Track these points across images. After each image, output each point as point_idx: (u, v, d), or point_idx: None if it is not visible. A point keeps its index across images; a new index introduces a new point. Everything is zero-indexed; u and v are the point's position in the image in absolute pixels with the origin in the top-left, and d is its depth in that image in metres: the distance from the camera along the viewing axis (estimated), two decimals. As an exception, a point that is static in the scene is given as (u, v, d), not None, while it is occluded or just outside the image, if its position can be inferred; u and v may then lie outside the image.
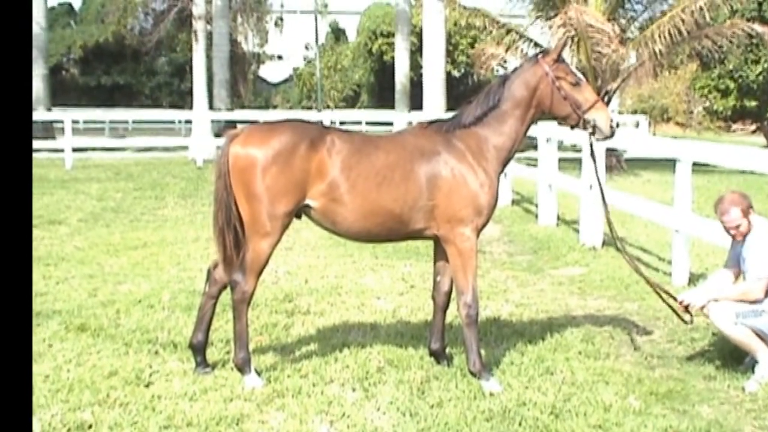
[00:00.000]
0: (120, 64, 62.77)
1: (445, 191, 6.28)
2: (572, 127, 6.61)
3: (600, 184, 7.37)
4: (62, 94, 53.44)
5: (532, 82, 6.44)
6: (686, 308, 6.74)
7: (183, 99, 55.78)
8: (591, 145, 6.79)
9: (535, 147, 15.66)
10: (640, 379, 6.53)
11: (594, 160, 6.96)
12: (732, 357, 6.84)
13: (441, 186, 6.28)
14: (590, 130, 6.47)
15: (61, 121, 27.27)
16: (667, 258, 10.63)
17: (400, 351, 7.05)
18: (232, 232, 6.23)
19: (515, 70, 6.67)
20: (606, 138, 6.55)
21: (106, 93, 62.54)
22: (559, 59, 6.48)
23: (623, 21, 26.28)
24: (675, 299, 6.87)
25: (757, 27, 24.71)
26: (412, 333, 7.59)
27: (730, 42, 24.46)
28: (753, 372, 6.47)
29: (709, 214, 10.95)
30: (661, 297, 7.09)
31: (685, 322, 6.88)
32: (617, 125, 6.57)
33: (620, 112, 43.16)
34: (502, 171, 6.58)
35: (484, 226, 6.46)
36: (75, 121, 30.61)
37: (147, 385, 6.25)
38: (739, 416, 5.90)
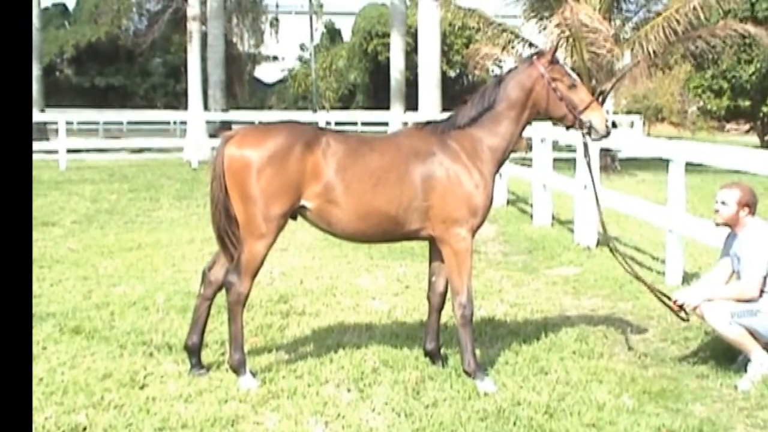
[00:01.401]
0: (114, 64, 62.67)
1: (440, 192, 6.29)
2: (568, 128, 6.63)
3: (594, 184, 7.35)
4: (56, 94, 53.30)
5: (528, 83, 6.46)
6: (681, 307, 6.76)
7: (178, 100, 55.71)
8: (585, 145, 6.78)
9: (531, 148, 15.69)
10: (634, 378, 6.55)
11: (588, 161, 6.96)
12: (725, 356, 6.86)
13: (436, 187, 6.29)
14: (586, 130, 6.49)
15: (55, 122, 27.23)
16: (661, 257, 10.65)
17: (396, 351, 7.06)
18: (228, 234, 6.26)
19: (510, 71, 6.69)
20: (602, 138, 6.58)
21: (100, 94, 62.46)
22: (554, 60, 6.50)
23: (618, 21, 26.35)
24: (669, 298, 6.89)
25: (750, 27, 24.80)
26: (407, 333, 7.60)
27: (724, 42, 24.56)
28: (745, 371, 6.49)
29: (703, 213, 11.01)
30: (656, 296, 7.11)
31: (683, 319, 6.91)
32: (613, 125, 6.60)
33: (615, 112, 43.19)
34: (497, 172, 6.59)
35: (479, 226, 6.48)
36: (69, 122, 30.66)
37: (142, 387, 6.25)
38: (732, 414, 5.92)
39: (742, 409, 6.03)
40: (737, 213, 6.60)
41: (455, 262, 6.36)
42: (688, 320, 6.96)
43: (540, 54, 6.59)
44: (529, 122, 6.66)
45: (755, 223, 6.66)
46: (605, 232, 7.37)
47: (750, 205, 6.61)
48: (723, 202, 6.63)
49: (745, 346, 6.48)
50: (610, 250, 7.26)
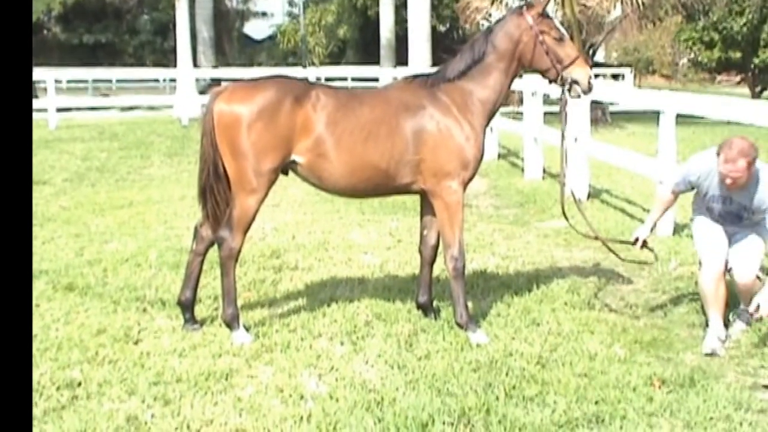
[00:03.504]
0: (102, 22, 62.11)
1: (431, 145, 6.28)
2: (550, 82, 6.60)
3: (563, 139, 7.01)
4: (44, 53, 52.74)
5: (516, 34, 6.42)
6: (644, 244, 6.82)
7: (167, 57, 55.25)
8: (564, 101, 6.69)
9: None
10: (625, 328, 6.60)
11: (564, 116, 6.87)
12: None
13: (427, 140, 6.28)
14: (568, 86, 6.46)
15: (44, 81, 27.00)
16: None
17: (388, 305, 7.09)
18: (219, 190, 6.25)
19: (498, 21, 6.66)
20: (583, 95, 6.56)
21: (88, 52, 61.87)
22: (544, 14, 6.47)
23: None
24: (634, 243, 6.93)
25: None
26: (399, 287, 7.64)
27: (715, -7, 24.40)
28: (734, 320, 6.55)
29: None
30: (616, 253, 7.25)
31: (652, 262, 7.03)
32: (595, 76, 6.61)
33: (606, 65, 43.07)
34: (487, 124, 6.58)
35: (470, 179, 6.48)
36: (58, 81, 30.36)
37: (136, 343, 6.29)
38: (722, 363, 5.98)
39: (732, 357, 6.09)
40: (749, 174, 6.17)
41: (447, 215, 6.38)
42: (656, 258, 7.31)
43: (530, 5, 6.54)
44: (517, 74, 6.64)
45: (761, 171, 6.28)
46: (562, 192, 7.28)
47: (755, 159, 6.18)
48: (737, 178, 6.14)
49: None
50: (563, 213, 7.24)
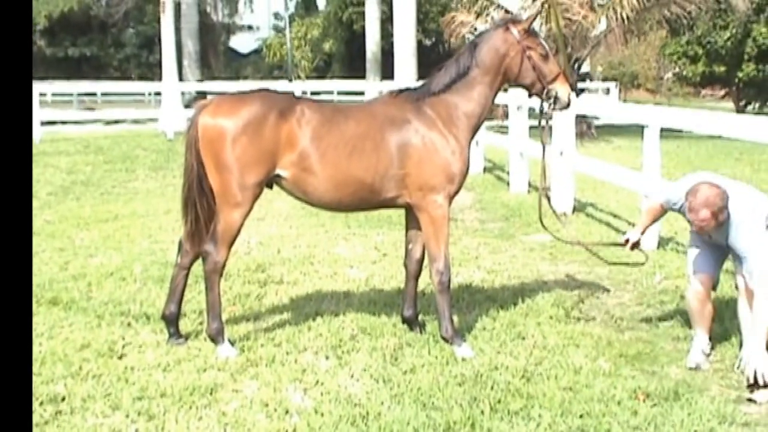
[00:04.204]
0: (87, 35, 62.08)
1: (416, 160, 6.30)
2: (530, 95, 6.70)
3: (543, 147, 7.06)
4: (29, 66, 52.71)
5: (502, 49, 6.46)
6: (634, 246, 6.80)
7: (152, 71, 55.38)
8: (544, 114, 6.77)
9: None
10: (610, 342, 6.61)
11: (545, 127, 6.91)
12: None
13: (412, 154, 6.30)
14: (551, 100, 6.56)
15: (29, 94, 26.89)
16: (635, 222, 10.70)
17: (373, 319, 7.09)
18: (203, 203, 6.25)
19: (482, 35, 6.70)
20: (563, 109, 6.71)
21: (73, 65, 61.84)
22: (530, 29, 6.52)
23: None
24: (623, 245, 6.94)
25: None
26: (384, 301, 7.63)
27: (699, 8, 24.57)
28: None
29: (679, 178, 11.05)
30: (604, 260, 7.30)
31: (642, 264, 7.07)
32: (581, 91, 6.68)
33: (590, 79, 43.24)
34: (472, 138, 6.61)
35: (456, 193, 6.50)
36: (42, 94, 30.32)
37: (120, 357, 6.26)
38: (707, 376, 5.99)
39: (716, 370, 6.10)
40: (716, 222, 5.90)
41: (432, 229, 6.39)
42: (646, 259, 7.32)
43: (515, 20, 6.58)
44: (501, 88, 6.69)
45: (739, 203, 5.97)
46: (540, 203, 7.29)
47: (722, 209, 5.86)
48: (702, 227, 5.94)
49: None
50: (540, 220, 7.28)
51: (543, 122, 6.86)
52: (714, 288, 6.43)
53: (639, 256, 7.23)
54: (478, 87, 6.47)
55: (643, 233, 6.83)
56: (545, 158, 7.09)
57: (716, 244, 6.23)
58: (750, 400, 5.57)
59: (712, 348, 6.39)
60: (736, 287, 6.25)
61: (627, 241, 6.81)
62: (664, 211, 6.68)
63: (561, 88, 6.53)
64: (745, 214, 5.93)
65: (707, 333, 6.35)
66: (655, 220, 6.97)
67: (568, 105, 6.63)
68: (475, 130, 6.59)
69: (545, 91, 6.53)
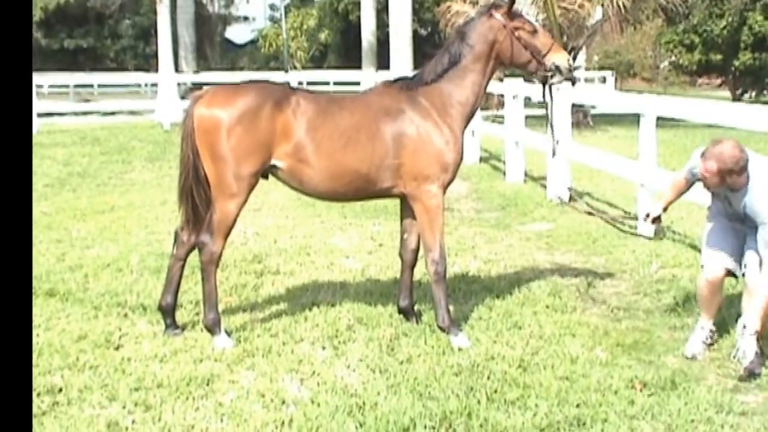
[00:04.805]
0: (83, 26, 61.93)
1: (411, 149, 6.30)
2: (531, 74, 6.69)
3: (551, 124, 7.24)
4: (25, 58, 52.55)
5: (490, 35, 6.46)
6: (654, 220, 6.54)
7: (148, 62, 55.21)
8: (546, 91, 6.79)
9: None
10: (607, 332, 6.61)
11: (548, 105, 6.96)
12: (696, 308, 6.91)
13: (406, 144, 6.30)
14: (551, 73, 6.53)
15: (25, 86, 26.81)
16: (633, 212, 10.71)
17: (370, 309, 7.09)
18: (199, 194, 6.24)
19: (467, 23, 6.69)
20: (565, 80, 6.67)
21: (69, 56, 61.70)
22: (512, 12, 6.50)
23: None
24: (631, 227, 6.91)
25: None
26: (381, 291, 7.63)
27: (695, -4, 24.50)
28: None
29: (675, 167, 11.07)
30: (622, 229, 7.27)
31: (660, 238, 6.93)
32: (573, 82, 6.72)
33: (587, 68, 43.18)
34: (466, 126, 6.61)
35: (450, 182, 6.50)
36: (39, 86, 30.27)
37: (117, 348, 6.26)
38: (703, 365, 5.99)
39: (713, 359, 6.10)
40: (719, 180, 5.81)
41: (427, 218, 6.39)
42: (664, 234, 7.01)
43: (496, 5, 6.55)
44: (494, 73, 6.69)
45: (759, 170, 5.85)
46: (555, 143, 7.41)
47: (731, 171, 5.73)
48: (705, 177, 5.84)
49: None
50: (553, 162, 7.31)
51: (545, 99, 6.92)
52: (734, 275, 6.20)
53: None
54: (470, 75, 6.47)
55: (665, 210, 6.54)
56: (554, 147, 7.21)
57: (735, 216, 6.05)
58: (741, 378, 5.63)
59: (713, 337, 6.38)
60: (743, 276, 6.10)
61: (648, 215, 6.65)
62: (688, 184, 6.37)
63: (558, 57, 6.52)
64: (766, 179, 5.80)
65: (711, 322, 6.29)
66: (679, 195, 6.56)
67: (570, 71, 6.61)
68: (469, 118, 6.59)
69: (544, 66, 6.50)
